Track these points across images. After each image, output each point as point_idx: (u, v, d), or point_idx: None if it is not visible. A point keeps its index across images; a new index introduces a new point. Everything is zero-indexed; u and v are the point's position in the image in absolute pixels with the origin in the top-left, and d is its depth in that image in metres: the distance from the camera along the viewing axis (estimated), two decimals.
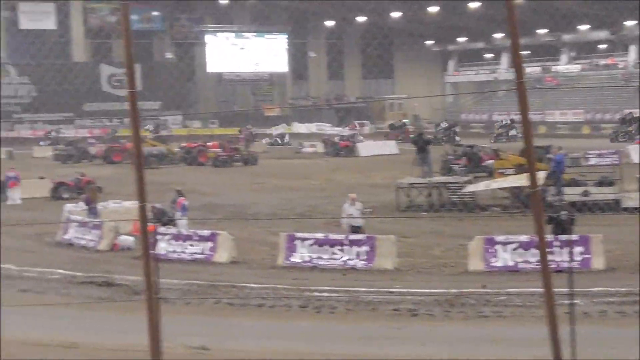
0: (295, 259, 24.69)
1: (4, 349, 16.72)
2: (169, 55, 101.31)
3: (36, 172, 46.62)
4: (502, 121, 76.28)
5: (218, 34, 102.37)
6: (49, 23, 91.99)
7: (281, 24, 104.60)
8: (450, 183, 34.33)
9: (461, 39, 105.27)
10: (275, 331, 18.41)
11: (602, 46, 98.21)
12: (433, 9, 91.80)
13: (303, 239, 24.90)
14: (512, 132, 70.64)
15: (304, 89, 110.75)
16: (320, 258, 24.45)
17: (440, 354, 15.11)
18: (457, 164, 39.36)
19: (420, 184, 34.37)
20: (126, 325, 18.09)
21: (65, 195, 39.37)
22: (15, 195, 39.54)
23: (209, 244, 25.84)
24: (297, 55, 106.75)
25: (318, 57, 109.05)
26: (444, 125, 73.37)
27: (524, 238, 22.97)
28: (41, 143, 73.94)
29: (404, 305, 19.81)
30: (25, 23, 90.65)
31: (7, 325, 18.32)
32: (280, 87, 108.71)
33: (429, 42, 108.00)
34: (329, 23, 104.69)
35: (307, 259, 24.60)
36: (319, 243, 24.68)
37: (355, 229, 25.90)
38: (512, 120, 71.35)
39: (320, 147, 68.94)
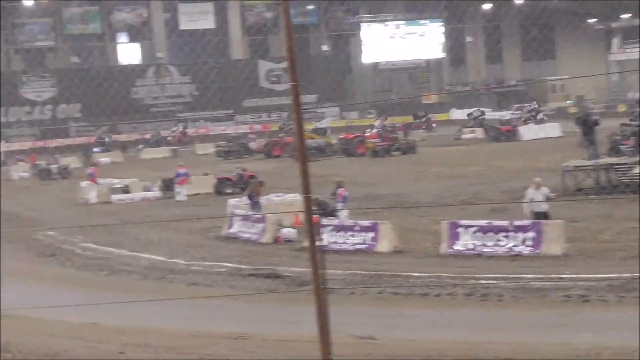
0: (459, 246, 24.27)
1: (180, 341, 17.10)
2: (324, 48, 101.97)
3: (200, 169, 47.77)
4: None
5: (373, 24, 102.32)
6: (208, 22, 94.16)
7: (436, 10, 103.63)
8: (619, 164, 33.04)
9: (625, 16, 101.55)
10: (441, 320, 18.15)
11: None
12: None
13: (466, 227, 24.42)
14: None
15: (462, 74, 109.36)
16: (485, 245, 23.95)
17: (614, 341, 14.52)
18: (626, 145, 37.84)
19: (587, 166, 33.21)
20: (293, 316, 18.24)
21: (229, 190, 40.10)
22: (183, 192, 40.59)
23: (371, 234, 25.73)
24: (453, 41, 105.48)
25: (475, 41, 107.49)
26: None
27: None
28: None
29: (574, 292, 19.16)
30: (185, 23, 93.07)
31: (177, 317, 18.80)
32: (437, 74, 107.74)
33: (591, 21, 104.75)
34: (486, 6, 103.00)
35: (470, 246, 24.14)
36: (483, 230, 24.16)
37: (541, 215, 24.88)
38: None
39: (480, 133, 67.79)
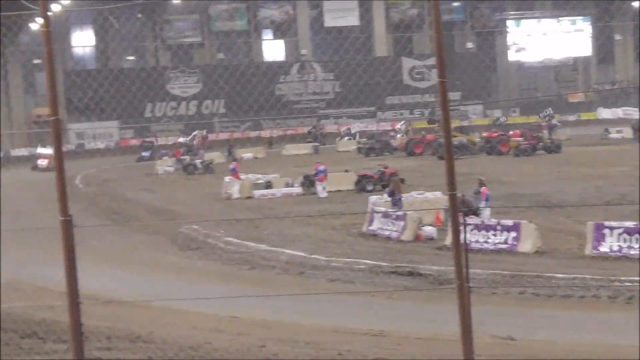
0: (604, 248, 23.57)
1: (320, 336, 17.15)
2: (469, 45, 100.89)
3: (341, 166, 47.93)
4: None
5: (519, 21, 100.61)
6: (352, 20, 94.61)
7: (584, 7, 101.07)
8: None
9: None
10: (583, 323, 17.65)
11: None
12: None
13: (612, 228, 23.68)
14: None
15: (610, 73, 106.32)
16: (631, 247, 23.16)
17: None
18: None
19: None
20: (432, 315, 18.05)
21: (369, 188, 40.11)
22: (321, 188, 40.79)
23: (513, 234, 25.26)
24: (601, 38, 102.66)
25: (624, 39, 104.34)
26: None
27: None
28: (339, 139, 75.74)
29: None
30: (330, 21, 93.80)
31: (317, 312, 18.86)
32: (584, 72, 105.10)
33: None
34: (635, 4, 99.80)
35: (616, 248, 23.41)
36: (629, 232, 23.36)
37: None
38: None
39: (628, 133, 65.71)
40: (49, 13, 8.38)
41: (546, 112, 70.21)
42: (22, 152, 73.08)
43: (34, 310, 19.91)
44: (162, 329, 18.27)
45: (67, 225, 8.21)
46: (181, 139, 69.99)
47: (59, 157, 8.18)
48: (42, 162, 62.13)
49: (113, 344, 17.02)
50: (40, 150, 66.04)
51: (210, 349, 16.58)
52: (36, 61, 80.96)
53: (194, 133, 70.60)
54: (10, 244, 29.73)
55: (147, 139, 71.64)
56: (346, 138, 75.06)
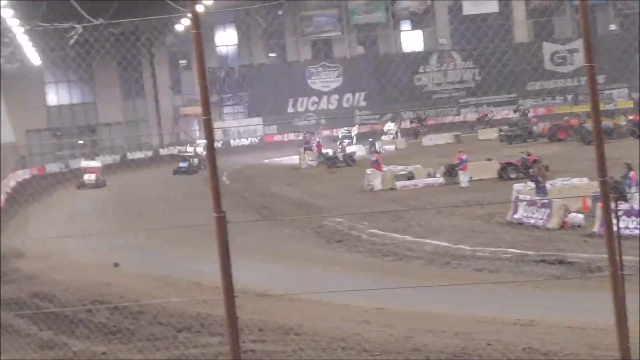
0: None
1: (467, 327, 17.14)
2: (612, 27, 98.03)
3: (482, 154, 47.48)
4: None
5: None
6: (492, 6, 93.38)
7: None
8: None
9: None
10: None
11: None
12: None
13: None
14: None
15: None
16: None
17: None
18: None
19: None
20: (582, 303, 17.75)
21: (513, 175, 39.61)
22: (464, 178, 40.56)
23: None
24: None
25: None
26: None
27: None
28: (476, 128, 74.85)
29: None
30: (468, 8, 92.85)
31: (463, 303, 18.80)
32: None
33: None
34: None
35: None
36: None
37: None
38: None
39: None
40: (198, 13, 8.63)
41: None
42: (171, 150, 74.84)
43: (188, 305, 20.61)
44: (311, 321, 18.61)
45: (221, 222, 8.49)
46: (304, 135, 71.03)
47: (212, 155, 8.45)
48: (90, 177, 55.64)
49: (265, 336, 17.46)
50: (86, 163, 60.83)
51: (360, 340, 16.79)
52: (181, 61, 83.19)
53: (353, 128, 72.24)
54: (163, 241, 30.86)
55: (185, 152, 65.68)
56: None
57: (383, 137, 69.84)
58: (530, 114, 71.64)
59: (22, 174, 61.21)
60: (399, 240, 28.39)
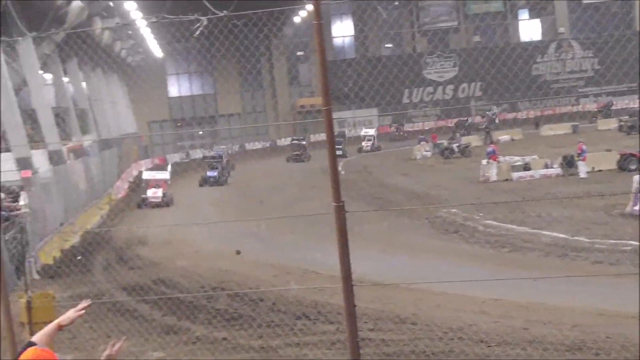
0: None
1: (585, 319, 17.01)
2: None
3: (602, 145, 46.61)
4: None
5: None
6: None
7: None
8: None
9: None
10: None
11: None
12: None
13: None
14: None
15: None
16: None
17: None
18: None
19: None
20: None
21: (633, 167, 38.77)
22: (584, 169, 39.97)
23: None
24: None
25: None
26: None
27: None
28: (595, 118, 73.21)
29: None
30: None
31: (581, 295, 18.63)
32: None
33: None
34: None
35: None
36: None
37: None
38: None
39: None
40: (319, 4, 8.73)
41: None
42: (290, 140, 75.63)
43: (306, 293, 20.98)
44: (427, 311, 18.75)
45: (340, 210, 8.68)
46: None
47: (332, 145, 8.60)
48: (155, 194, 44.90)
49: (380, 325, 17.69)
50: (149, 175, 49.08)
51: (476, 330, 16.87)
52: (299, 53, 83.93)
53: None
54: (282, 229, 31.39)
55: (213, 158, 56.41)
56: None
57: (362, 143, 69.72)
58: None
59: (144, 164, 62.92)
60: (515, 232, 28.23)
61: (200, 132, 78.77)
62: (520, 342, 15.99)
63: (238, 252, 28.56)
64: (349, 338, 8.60)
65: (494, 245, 27.06)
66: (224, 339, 17.76)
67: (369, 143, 69.71)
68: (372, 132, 72.77)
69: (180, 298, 20.99)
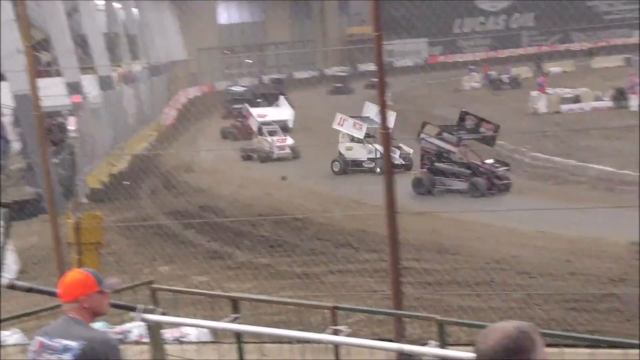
0: None
1: (621, 251, 16.94)
2: None
3: None
4: None
5: None
6: None
7: None
8: None
9: None
10: None
11: None
12: None
13: None
14: None
15: None
16: None
17: None
18: None
19: None
20: None
21: None
22: (634, 102, 39.38)
23: None
24: None
25: None
26: None
27: None
28: None
29: None
30: None
31: (625, 228, 18.48)
32: None
33: None
34: None
35: None
36: None
37: None
38: None
39: None
40: None
41: None
42: (335, 70, 75.26)
43: (349, 222, 21.12)
44: (469, 242, 18.80)
45: (386, 138, 8.68)
46: None
47: (381, 74, 8.52)
48: (284, 143, 34.93)
49: (422, 255, 17.79)
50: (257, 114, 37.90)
51: (518, 261, 16.91)
52: None
53: None
54: (326, 159, 31.42)
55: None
56: None
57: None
58: None
59: (193, 91, 63.12)
60: (562, 164, 28.02)
61: (249, 61, 78.65)
62: (562, 274, 16.01)
63: (284, 178, 28.79)
64: (390, 266, 8.62)
65: (541, 178, 26.92)
66: (267, 264, 17.99)
67: None
68: None
69: (225, 224, 21.23)
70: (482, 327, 2.77)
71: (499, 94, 53.63)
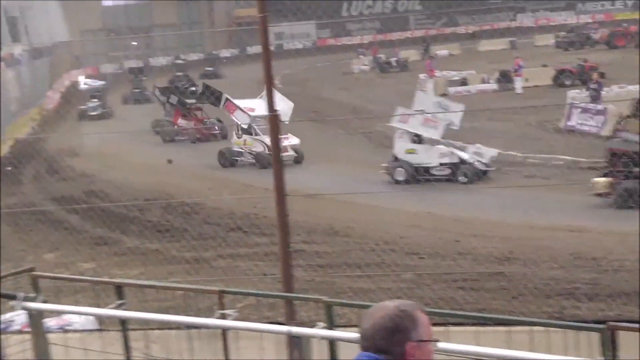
0: None
1: (516, 232, 17.19)
2: None
3: (538, 60, 46.80)
4: None
5: None
6: None
7: None
8: None
9: None
10: None
11: None
12: None
13: None
14: None
15: None
16: None
17: None
18: None
19: None
20: (631, 211, 17.70)
21: (568, 82, 39.08)
22: (519, 84, 40.18)
23: None
24: None
25: None
26: None
27: None
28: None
29: None
30: None
31: (512, 209, 18.81)
32: None
33: None
34: None
35: None
36: None
37: None
38: None
39: None
40: None
41: None
42: (224, 53, 74.64)
43: (238, 206, 20.91)
44: (360, 223, 18.81)
45: (274, 121, 8.53)
46: None
47: (267, 56, 8.40)
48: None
49: (312, 237, 17.72)
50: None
51: (408, 242, 16.99)
52: None
53: None
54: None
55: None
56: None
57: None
58: None
59: (77, 74, 61.65)
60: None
61: (134, 43, 77.29)
62: (451, 254, 16.16)
63: (170, 161, 28.32)
64: (280, 248, 8.50)
65: None
66: (156, 250, 17.66)
67: None
68: None
69: (112, 209, 20.76)
70: (369, 307, 2.73)
71: (387, 77, 54.04)
